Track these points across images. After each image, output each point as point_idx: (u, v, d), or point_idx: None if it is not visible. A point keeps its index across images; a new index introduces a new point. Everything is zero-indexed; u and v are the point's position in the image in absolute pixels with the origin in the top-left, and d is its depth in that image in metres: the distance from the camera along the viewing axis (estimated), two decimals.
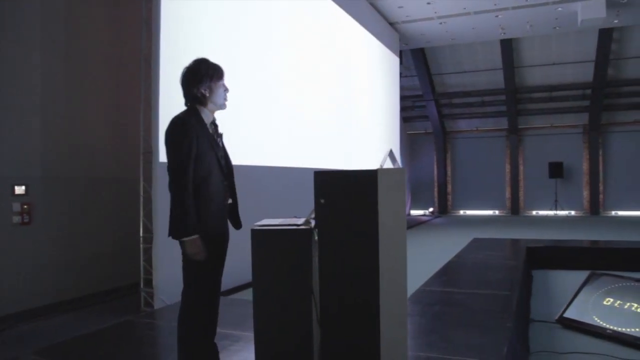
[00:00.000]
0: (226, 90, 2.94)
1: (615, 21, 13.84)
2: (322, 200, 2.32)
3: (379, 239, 2.24)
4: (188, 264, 2.79)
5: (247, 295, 5.70)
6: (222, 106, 2.94)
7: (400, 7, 12.63)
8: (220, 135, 2.97)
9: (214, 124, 2.94)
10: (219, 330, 3.00)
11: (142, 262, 5.67)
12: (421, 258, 8.83)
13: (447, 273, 6.07)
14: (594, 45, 15.91)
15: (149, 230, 5.63)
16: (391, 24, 13.86)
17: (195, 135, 2.73)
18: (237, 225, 2.99)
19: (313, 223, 2.50)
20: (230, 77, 3.10)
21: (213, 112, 2.93)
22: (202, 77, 2.82)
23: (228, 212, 2.94)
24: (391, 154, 2.46)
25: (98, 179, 6.58)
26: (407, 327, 2.60)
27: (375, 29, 12.44)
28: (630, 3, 12.52)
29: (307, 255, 2.41)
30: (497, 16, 13.33)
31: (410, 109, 19.19)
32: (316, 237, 2.40)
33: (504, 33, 15.05)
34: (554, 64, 16.92)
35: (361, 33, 11.52)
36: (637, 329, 4.39)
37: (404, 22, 13.79)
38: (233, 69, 4.87)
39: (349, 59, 10.74)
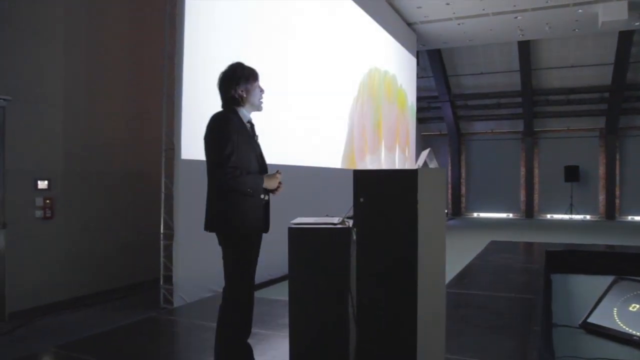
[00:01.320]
0: (262, 91, 3.05)
1: (637, 23, 13.67)
2: (362, 199, 2.30)
3: (418, 239, 2.21)
4: (233, 259, 2.83)
5: (267, 293, 5.70)
6: (259, 107, 3.05)
7: (419, 7, 12.58)
8: (257, 136, 3.04)
9: (250, 123, 3.02)
10: None
11: (162, 259, 5.67)
12: None
13: (468, 275, 6.02)
14: (613, 47, 15.74)
15: (169, 227, 5.63)
16: (409, 24, 13.80)
17: (236, 131, 2.81)
18: (267, 227, 3.01)
19: (349, 222, 2.48)
20: None
21: (250, 112, 3.02)
22: (239, 80, 2.93)
23: (263, 209, 2.96)
24: (430, 154, 2.43)
25: (119, 175, 6.59)
26: (444, 327, 2.56)
27: (393, 29, 12.40)
28: None
29: (346, 254, 2.39)
30: (516, 17, 13.23)
31: (426, 109, 19.11)
32: (354, 236, 2.38)
33: (522, 34, 14.93)
34: (572, 66, 16.77)
35: (381, 33, 11.48)
36: None
37: (422, 22, 13.73)
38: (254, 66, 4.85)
39: (368, 58, 10.71)
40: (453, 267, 6.41)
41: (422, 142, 19.16)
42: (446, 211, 19.09)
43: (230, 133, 2.77)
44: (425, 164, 2.41)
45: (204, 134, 2.89)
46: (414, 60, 14.57)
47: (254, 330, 3.01)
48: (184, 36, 5.51)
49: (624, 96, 16.97)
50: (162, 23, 5.81)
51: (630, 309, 4.78)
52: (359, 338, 2.34)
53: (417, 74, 15.44)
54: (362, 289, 2.33)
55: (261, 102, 3.04)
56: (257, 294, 5.84)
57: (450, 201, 19.56)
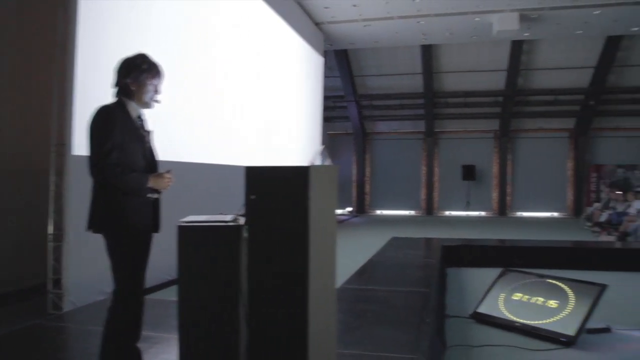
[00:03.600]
0: (157, 92, 2.88)
1: (526, 34, 14.70)
2: (253, 196, 2.28)
3: (309, 236, 2.22)
4: (118, 259, 2.70)
5: (166, 295, 5.53)
6: (147, 105, 2.88)
7: (326, 7, 12.73)
8: (148, 132, 2.91)
9: (140, 119, 2.87)
10: None
11: (51, 262, 5.32)
12: (341, 256, 8.91)
13: (368, 271, 6.18)
14: (506, 55, 16.79)
15: (59, 228, 5.29)
16: (317, 24, 13.94)
17: (120, 126, 2.66)
18: (156, 227, 2.89)
19: (242, 220, 2.45)
20: None
21: (139, 107, 2.87)
22: (132, 70, 2.77)
23: (152, 207, 2.84)
24: (323, 152, 2.45)
25: (4, 173, 6.11)
26: (336, 326, 2.59)
27: (301, 28, 12.46)
28: (540, 18, 13.37)
29: (236, 253, 2.35)
30: (419, 22, 13.75)
31: (332, 109, 19.40)
32: (245, 234, 2.35)
33: (425, 39, 15.56)
34: (469, 71, 17.69)
35: (287, 32, 11.49)
36: (541, 321, 4.69)
37: (329, 22, 13.91)
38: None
39: (274, 57, 10.69)
40: (355, 263, 6.56)
41: (328, 140, 19.44)
42: (351, 209, 19.53)
43: (112, 128, 2.62)
44: (319, 161, 2.43)
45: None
46: (321, 60, 14.73)
47: (146, 333, 2.91)
48: (77, 25, 5.20)
49: (515, 101, 18.19)
50: (54, 9, 5.45)
51: (514, 298, 5.13)
52: (250, 339, 2.31)
53: (325, 73, 15.65)
54: (254, 288, 2.30)
55: (152, 101, 2.87)
56: (154, 296, 5.69)
57: (354, 199, 20.02)
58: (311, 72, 13.73)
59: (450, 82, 18.29)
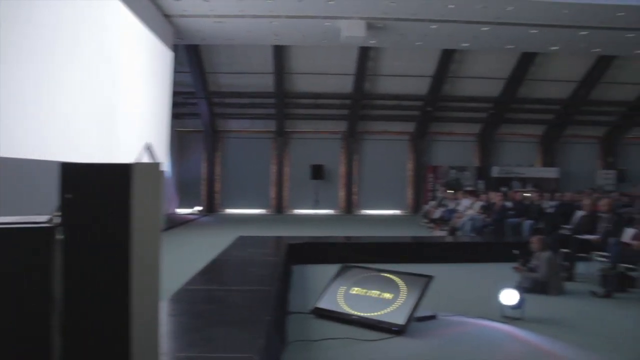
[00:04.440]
0: None
1: (373, 41, 15.53)
2: (69, 195, 2.09)
3: (132, 239, 2.10)
4: None
5: None
6: None
7: (176, 0, 12.31)
8: None
9: None
10: None
11: None
12: (186, 257, 8.72)
13: (211, 271, 6.08)
14: (354, 60, 17.57)
15: None
16: (166, 16, 13.41)
17: None
18: None
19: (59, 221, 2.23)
20: None
21: None
22: None
23: None
24: (149, 149, 2.33)
25: None
26: (159, 331, 2.46)
27: (148, 18, 11.89)
28: (385, 27, 14.23)
29: (48, 257, 2.14)
30: (271, 22, 13.85)
31: (182, 105, 18.79)
32: (60, 236, 2.15)
33: (278, 39, 15.73)
34: (320, 73, 18.22)
35: (133, 21, 10.90)
36: (376, 313, 4.99)
37: (180, 16, 13.48)
38: None
39: (116, 46, 10.08)
40: (199, 263, 6.41)
41: (177, 138, 18.84)
42: (200, 208, 19.14)
43: None
44: (146, 158, 2.31)
45: None
46: (170, 54, 14.22)
47: None
48: None
49: (361, 104, 19.14)
50: None
51: (352, 292, 5.37)
52: (64, 349, 2.12)
53: (175, 69, 15.13)
54: (69, 296, 2.11)
55: None
56: None
57: (204, 198, 19.67)
58: (159, 66, 13.20)
59: (301, 83, 18.70)
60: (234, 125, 19.87)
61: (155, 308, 2.30)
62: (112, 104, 9.85)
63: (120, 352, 2.12)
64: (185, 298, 4.62)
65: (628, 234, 7.09)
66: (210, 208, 19.52)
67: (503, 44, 15.78)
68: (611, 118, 20.64)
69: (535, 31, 14.38)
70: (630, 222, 7.66)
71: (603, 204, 8.13)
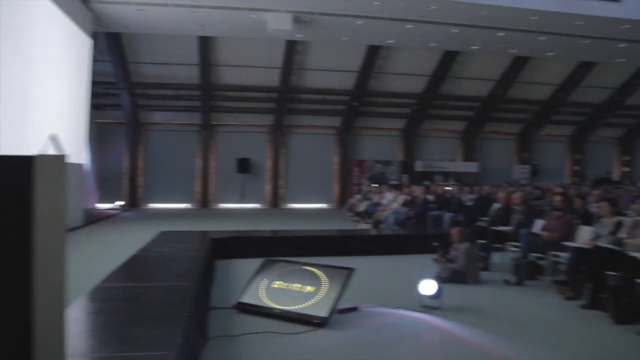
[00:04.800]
0: None
1: (299, 35, 15.52)
2: None
3: (34, 236, 1.98)
4: None
5: None
6: None
7: None
8: None
9: None
10: None
11: None
12: (104, 254, 8.41)
13: (130, 267, 5.88)
14: (281, 53, 17.50)
15: None
16: (85, 1, 12.77)
17: None
18: None
19: None
20: None
21: None
22: None
23: None
24: (54, 139, 2.20)
25: None
26: (66, 332, 2.34)
27: (63, 2, 11.24)
28: (312, 22, 14.26)
29: None
30: (194, 12, 13.53)
31: (102, 96, 17.99)
32: None
33: (202, 30, 15.39)
34: (246, 66, 18.01)
35: (46, 5, 10.29)
36: (298, 306, 5.01)
37: (99, 2, 12.88)
38: None
39: (28, 31, 9.49)
40: (118, 260, 6.19)
41: (97, 129, 18.04)
42: (122, 203, 18.50)
43: None
44: (51, 149, 2.18)
45: None
46: (89, 41, 13.56)
47: None
48: None
49: (288, 97, 19.12)
50: None
51: (274, 286, 5.36)
52: None
53: (94, 57, 14.44)
54: None
55: None
56: None
57: (126, 192, 19.01)
58: (76, 54, 12.57)
59: (227, 76, 18.42)
60: (157, 117, 19.31)
61: (61, 309, 2.18)
62: (24, 92, 9.28)
63: (22, 355, 2.00)
64: (101, 296, 4.45)
65: (538, 225, 7.49)
66: (133, 203, 18.91)
67: (426, 41, 16.25)
68: (526, 116, 21.82)
69: (456, 30, 14.91)
70: (540, 214, 8.12)
71: (516, 197, 8.57)
